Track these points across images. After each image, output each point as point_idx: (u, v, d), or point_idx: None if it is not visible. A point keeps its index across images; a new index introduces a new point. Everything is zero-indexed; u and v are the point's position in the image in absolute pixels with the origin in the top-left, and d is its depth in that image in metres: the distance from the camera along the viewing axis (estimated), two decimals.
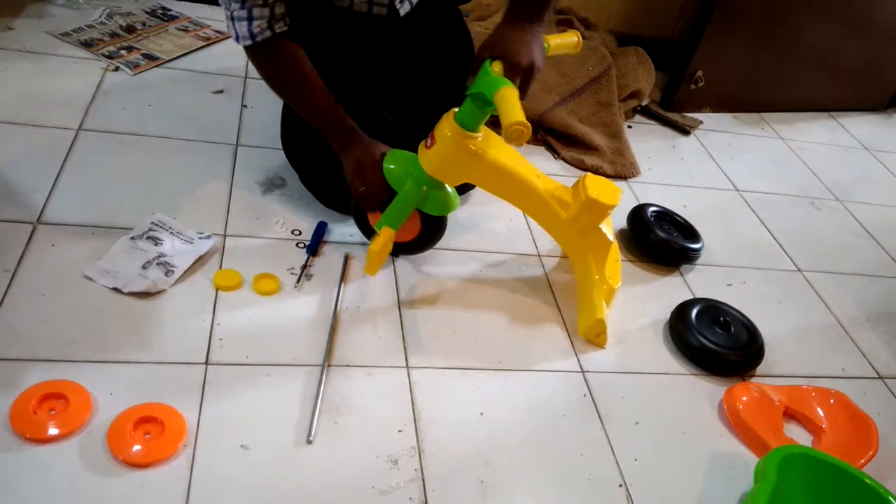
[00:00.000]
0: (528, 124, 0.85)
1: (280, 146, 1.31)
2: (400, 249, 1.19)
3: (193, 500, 0.80)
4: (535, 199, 1.12)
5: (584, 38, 1.82)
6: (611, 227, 1.20)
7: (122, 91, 1.43)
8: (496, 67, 0.92)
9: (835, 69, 2.09)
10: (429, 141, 1.01)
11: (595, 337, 1.14)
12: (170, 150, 1.31)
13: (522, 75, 0.93)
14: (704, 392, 1.11)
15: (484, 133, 1.01)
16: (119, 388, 0.89)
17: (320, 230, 1.19)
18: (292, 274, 1.12)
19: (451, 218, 1.19)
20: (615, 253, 1.23)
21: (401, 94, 1.26)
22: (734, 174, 1.73)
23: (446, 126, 0.99)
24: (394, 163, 1.06)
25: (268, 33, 1.02)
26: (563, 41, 1.02)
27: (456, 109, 0.99)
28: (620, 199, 1.10)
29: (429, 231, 1.16)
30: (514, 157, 1.09)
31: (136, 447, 0.83)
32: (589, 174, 1.13)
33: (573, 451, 0.97)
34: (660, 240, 1.33)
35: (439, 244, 1.22)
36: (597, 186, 1.09)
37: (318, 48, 1.12)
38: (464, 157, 1.00)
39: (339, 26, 1.17)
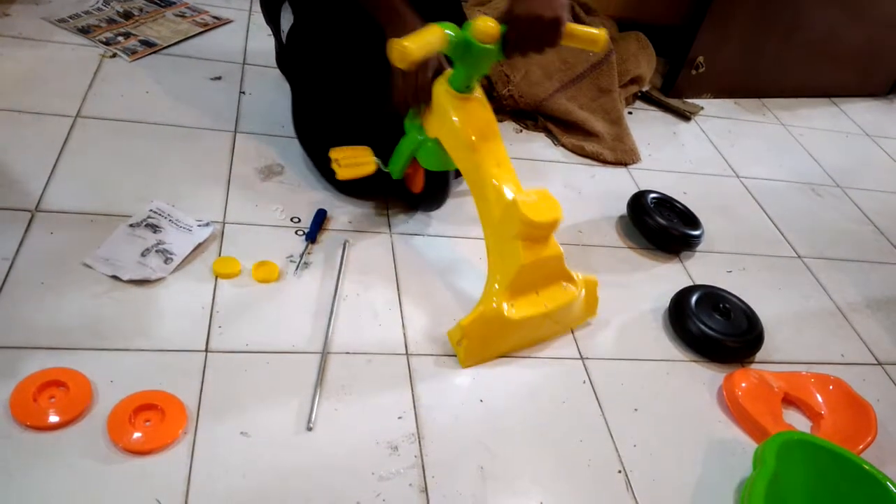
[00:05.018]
0: (407, 45, 0.86)
1: (278, 133, 1.31)
2: (411, 201, 1.25)
3: (194, 487, 0.80)
4: (479, 183, 1.03)
5: (584, 23, 1.83)
6: (552, 257, 1.02)
7: (120, 78, 1.42)
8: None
9: (836, 55, 2.07)
10: None
11: (455, 343, 1.03)
12: (168, 137, 1.30)
13: (512, 27, 0.96)
14: (703, 378, 1.11)
15: (470, 103, 1.03)
16: (119, 376, 0.89)
17: (319, 217, 1.19)
18: (291, 261, 1.11)
19: (457, 205, 1.19)
20: (528, 282, 1.02)
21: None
22: (735, 160, 1.72)
23: (438, 80, 1.04)
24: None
25: None
26: (585, 33, 1.00)
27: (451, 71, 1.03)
28: (549, 220, 0.95)
29: (429, 187, 1.19)
30: (488, 135, 1.03)
31: (137, 434, 0.83)
32: (546, 190, 0.99)
33: (572, 437, 0.97)
34: (659, 226, 1.33)
35: (440, 231, 1.22)
36: (535, 198, 0.96)
37: (329, 23, 1.13)
38: (439, 108, 1.03)
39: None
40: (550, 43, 0.97)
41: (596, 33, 1.00)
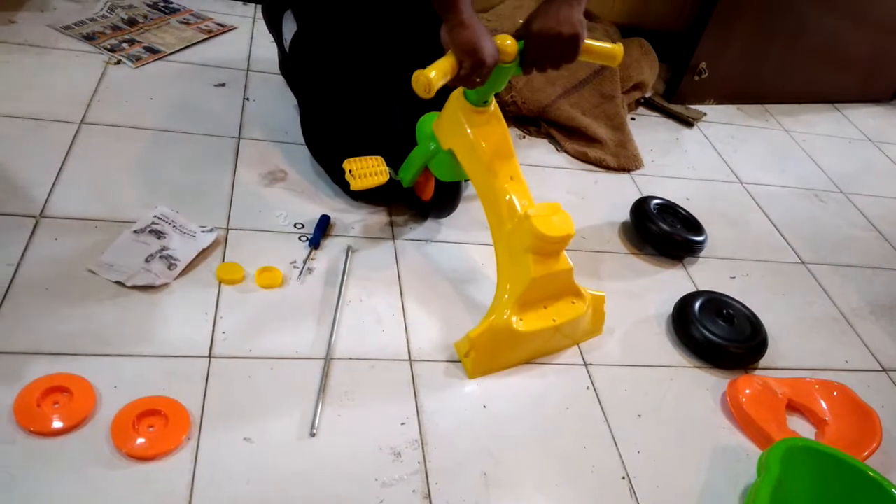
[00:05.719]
0: (429, 76, 0.87)
1: (282, 139, 1.32)
2: (420, 208, 1.26)
3: (197, 494, 0.80)
4: (491, 196, 1.04)
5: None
6: (561, 269, 1.02)
7: (124, 84, 1.43)
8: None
9: (839, 60, 2.07)
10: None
11: (463, 355, 1.03)
12: (172, 143, 1.31)
13: (530, 44, 0.95)
14: (707, 385, 1.11)
15: (485, 115, 1.03)
16: (122, 382, 0.89)
17: (323, 223, 1.19)
18: (295, 267, 1.12)
19: (461, 210, 1.21)
20: (537, 296, 1.03)
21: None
22: (738, 166, 1.72)
23: (455, 92, 1.05)
24: (429, 119, 1.12)
25: None
26: (602, 49, 1.00)
27: None
28: (561, 235, 0.96)
29: (440, 195, 1.20)
30: (502, 149, 1.04)
31: (140, 440, 0.83)
32: (558, 204, 1.00)
33: (576, 443, 0.97)
34: (663, 232, 1.33)
35: (444, 237, 1.22)
36: (547, 213, 0.98)
37: (341, 24, 1.16)
38: (455, 121, 1.04)
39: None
40: (568, 59, 0.97)
41: (613, 48, 1.00)
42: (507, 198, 1.02)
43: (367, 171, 1.13)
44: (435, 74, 0.88)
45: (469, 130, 1.03)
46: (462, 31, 0.91)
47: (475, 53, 0.90)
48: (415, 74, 0.88)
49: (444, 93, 1.05)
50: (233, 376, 0.94)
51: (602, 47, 1.00)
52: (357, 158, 1.14)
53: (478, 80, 0.93)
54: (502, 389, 1.02)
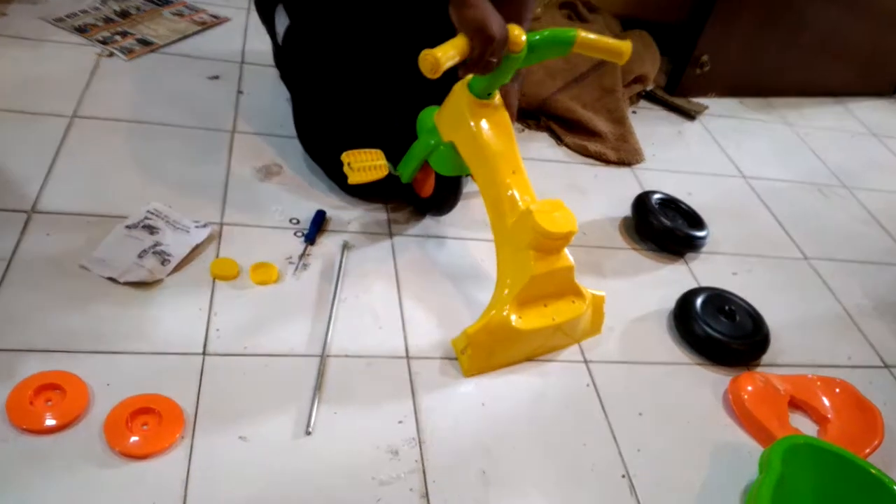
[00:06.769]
0: (436, 55, 0.86)
1: (277, 132, 1.30)
2: (419, 206, 1.24)
3: (192, 492, 0.79)
4: (493, 190, 1.03)
5: (586, 21, 1.82)
6: (560, 269, 1.01)
7: (117, 77, 1.41)
8: None
9: (842, 54, 2.06)
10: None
11: (459, 352, 1.01)
12: (165, 137, 1.29)
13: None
14: (709, 382, 1.10)
15: (488, 109, 1.02)
16: (116, 379, 0.88)
17: (318, 218, 1.17)
18: (290, 263, 1.10)
19: (459, 206, 1.20)
20: (537, 293, 1.01)
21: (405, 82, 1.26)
22: (740, 160, 1.71)
23: (458, 83, 1.03)
24: (430, 113, 1.11)
25: None
26: (610, 45, 1.00)
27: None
28: (563, 231, 0.95)
29: (440, 192, 1.18)
30: (505, 143, 1.03)
31: (134, 438, 0.82)
32: (561, 201, 0.99)
33: (576, 441, 0.96)
34: (664, 227, 1.31)
35: (441, 233, 1.21)
36: (550, 209, 0.96)
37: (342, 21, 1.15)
38: (458, 113, 1.03)
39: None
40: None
41: (620, 44, 1.00)
42: (509, 192, 1.01)
43: (366, 164, 1.11)
44: (442, 53, 0.86)
45: (472, 122, 1.01)
46: (468, 7, 0.90)
47: (484, 29, 0.88)
48: (422, 53, 0.86)
49: (446, 88, 1.04)
50: (227, 374, 0.92)
51: (610, 42, 0.99)
52: (356, 151, 1.11)
53: (493, 59, 0.91)
54: (501, 387, 1.01)
